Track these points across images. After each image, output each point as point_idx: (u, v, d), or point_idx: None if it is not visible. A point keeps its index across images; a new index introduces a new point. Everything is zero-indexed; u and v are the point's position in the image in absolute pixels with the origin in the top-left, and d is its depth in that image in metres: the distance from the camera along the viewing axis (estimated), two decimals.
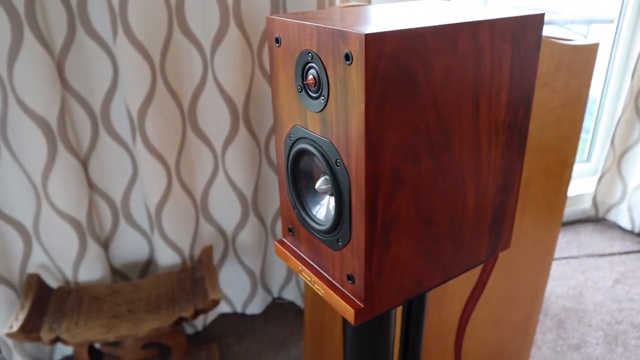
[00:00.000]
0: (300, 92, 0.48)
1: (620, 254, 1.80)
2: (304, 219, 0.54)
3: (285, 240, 0.60)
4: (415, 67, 0.42)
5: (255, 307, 1.57)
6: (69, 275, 1.27)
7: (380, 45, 0.39)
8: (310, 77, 0.45)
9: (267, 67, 1.31)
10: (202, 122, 1.31)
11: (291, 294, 1.62)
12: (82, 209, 1.22)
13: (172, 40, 1.18)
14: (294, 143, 0.52)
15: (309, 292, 1.23)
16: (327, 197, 0.52)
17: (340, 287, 0.51)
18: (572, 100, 1.00)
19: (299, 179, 0.54)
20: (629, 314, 1.50)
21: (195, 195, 1.38)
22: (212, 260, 1.30)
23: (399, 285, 0.50)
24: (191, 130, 1.30)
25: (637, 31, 1.94)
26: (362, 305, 0.48)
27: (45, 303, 1.18)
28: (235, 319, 1.55)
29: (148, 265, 1.44)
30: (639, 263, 1.74)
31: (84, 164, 1.25)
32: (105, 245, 1.36)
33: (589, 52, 0.97)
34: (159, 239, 1.32)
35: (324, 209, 0.52)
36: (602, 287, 1.61)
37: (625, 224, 2.00)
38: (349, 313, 0.49)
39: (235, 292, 1.55)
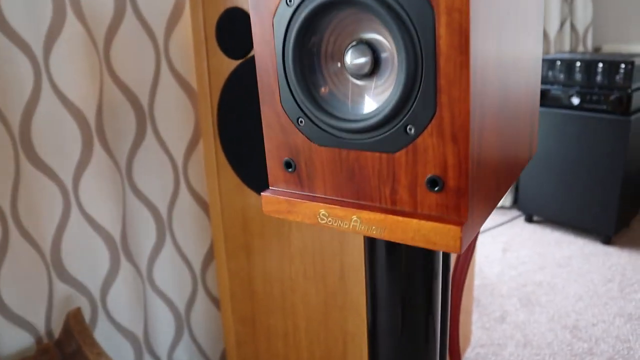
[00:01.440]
0: None
1: (497, 226, 1.87)
2: (327, 125, 0.35)
3: (276, 188, 0.40)
4: None
5: None
6: None
7: None
8: None
9: (118, 69, 1.06)
10: (41, 146, 0.99)
11: (185, 354, 1.32)
12: None
13: None
14: (297, 7, 0.33)
15: (230, 339, 0.98)
16: (362, 83, 0.34)
17: (412, 210, 0.33)
18: None
19: (305, 69, 0.35)
20: (528, 275, 1.54)
21: (43, 247, 1.03)
22: (85, 326, 0.97)
23: (487, 187, 0.35)
24: (26, 158, 0.98)
25: None
26: (466, 218, 0.31)
27: None
28: None
29: None
30: (514, 230, 1.83)
31: None
32: None
33: None
34: None
35: (362, 98, 0.34)
36: (495, 259, 1.64)
37: None
38: (451, 234, 0.31)
39: None
